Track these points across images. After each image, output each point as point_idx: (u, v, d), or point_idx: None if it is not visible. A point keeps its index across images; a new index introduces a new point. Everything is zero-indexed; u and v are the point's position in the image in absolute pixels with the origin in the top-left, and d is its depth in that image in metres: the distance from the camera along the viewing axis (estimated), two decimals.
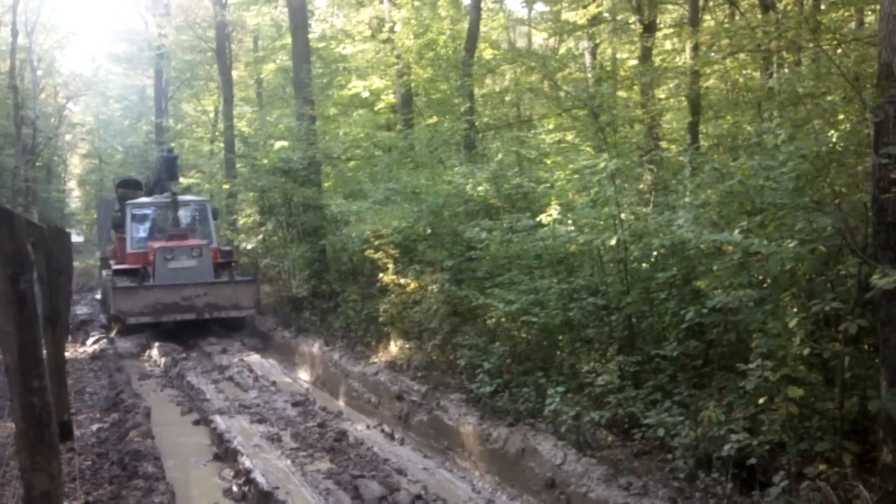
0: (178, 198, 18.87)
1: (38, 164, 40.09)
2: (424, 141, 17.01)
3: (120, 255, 19.37)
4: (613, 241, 8.83)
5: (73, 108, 51.28)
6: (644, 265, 9.05)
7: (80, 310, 21.28)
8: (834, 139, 6.81)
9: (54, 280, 8.35)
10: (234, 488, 7.56)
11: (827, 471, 5.65)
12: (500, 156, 15.92)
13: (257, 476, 7.33)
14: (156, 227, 18.74)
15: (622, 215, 8.96)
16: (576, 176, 10.66)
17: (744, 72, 13.35)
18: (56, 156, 47.77)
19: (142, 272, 17.43)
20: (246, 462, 7.81)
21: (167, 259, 16.74)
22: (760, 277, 7.09)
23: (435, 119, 20.20)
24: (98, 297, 24.57)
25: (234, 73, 29.99)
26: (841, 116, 8.30)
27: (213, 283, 16.88)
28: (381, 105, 21.80)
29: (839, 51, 10.34)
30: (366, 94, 21.90)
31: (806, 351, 5.87)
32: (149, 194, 20.39)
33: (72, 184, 58.52)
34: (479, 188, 12.92)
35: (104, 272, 21.73)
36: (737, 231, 6.47)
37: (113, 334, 17.09)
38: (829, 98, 8.82)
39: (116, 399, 10.25)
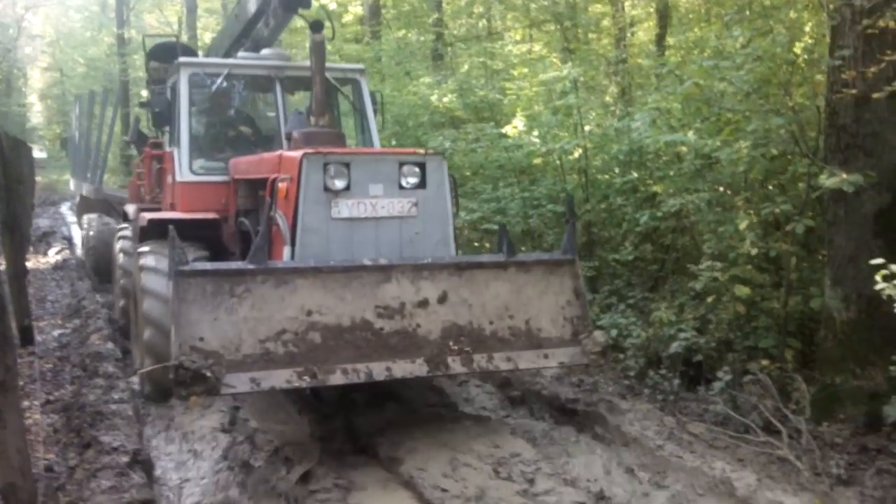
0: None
1: None
2: (391, 52, 16.78)
3: (152, 187, 9.41)
4: (576, 154, 8.90)
5: (31, 20, 49.74)
6: (606, 176, 9.13)
7: (43, 222, 20.94)
8: (798, 51, 6.84)
9: (13, 188, 8.26)
10: None
11: (769, 366, 5.87)
12: (466, 67, 15.76)
13: None
14: (256, 127, 8.90)
15: (586, 127, 9.01)
16: (542, 87, 10.63)
17: None
18: (16, 69, 46.50)
19: (249, 230, 7.10)
20: None
21: (332, 189, 6.08)
22: (719, 188, 7.21)
23: (403, 32, 19.87)
24: (65, 209, 23.98)
25: None
26: (807, 29, 8.31)
27: (461, 263, 6.11)
28: (348, 17, 21.34)
29: None
30: (333, 6, 21.41)
31: (754, 251, 6.01)
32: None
33: (33, 98, 57.15)
34: (445, 99, 12.85)
35: (88, 219, 13.26)
36: (691, 132, 6.54)
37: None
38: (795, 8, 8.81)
39: (78, 306, 10.23)
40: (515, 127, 9.99)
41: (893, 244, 5.39)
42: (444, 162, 6.44)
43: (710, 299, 6.25)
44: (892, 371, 5.03)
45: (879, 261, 4.61)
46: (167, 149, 8.69)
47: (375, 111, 8.78)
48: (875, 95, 5.31)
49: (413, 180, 6.25)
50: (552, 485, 5.00)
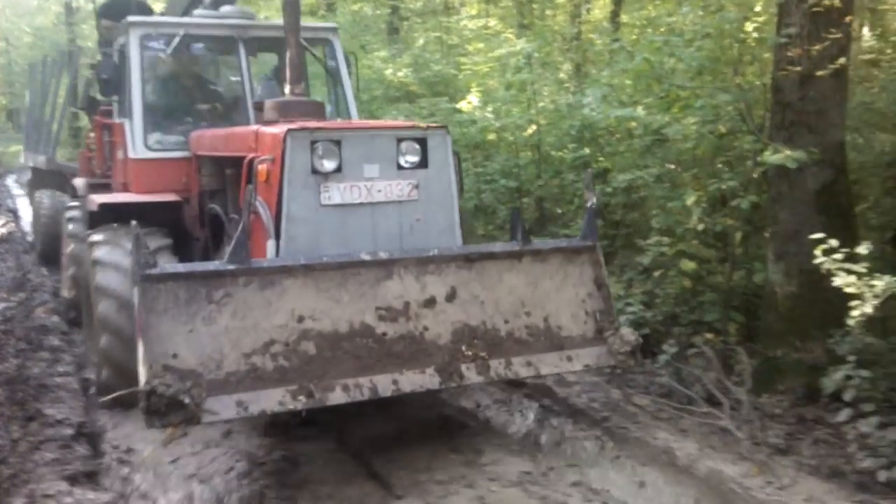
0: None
1: None
2: (347, 26, 16.62)
3: (104, 159, 8.50)
4: (530, 131, 8.93)
5: None
6: (560, 153, 9.19)
7: None
8: (748, 29, 6.92)
9: None
10: None
11: (714, 339, 5.99)
12: (421, 41, 15.68)
13: None
14: (220, 96, 7.91)
15: (540, 104, 9.04)
16: (497, 63, 10.63)
17: None
18: None
19: (221, 214, 6.29)
20: None
21: (321, 171, 5.15)
22: (668, 164, 7.29)
23: (359, 5, 19.69)
24: (10, 182, 23.35)
25: None
26: (757, 8, 8.42)
27: (471, 254, 5.22)
28: None
29: None
30: None
31: (701, 227, 6.11)
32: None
33: None
34: (400, 73, 12.79)
35: (39, 196, 11.74)
36: (640, 108, 6.60)
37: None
38: None
39: (23, 279, 10.06)
40: (470, 102, 9.99)
41: (835, 220, 5.53)
42: (447, 137, 5.48)
43: (657, 274, 6.35)
44: (830, 344, 5.16)
45: (820, 235, 4.71)
46: (116, 119, 7.62)
47: (350, 76, 7.67)
48: (819, 73, 5.41)
49: (413, 159, 5.36)
50: (499, 455, 5.06)
